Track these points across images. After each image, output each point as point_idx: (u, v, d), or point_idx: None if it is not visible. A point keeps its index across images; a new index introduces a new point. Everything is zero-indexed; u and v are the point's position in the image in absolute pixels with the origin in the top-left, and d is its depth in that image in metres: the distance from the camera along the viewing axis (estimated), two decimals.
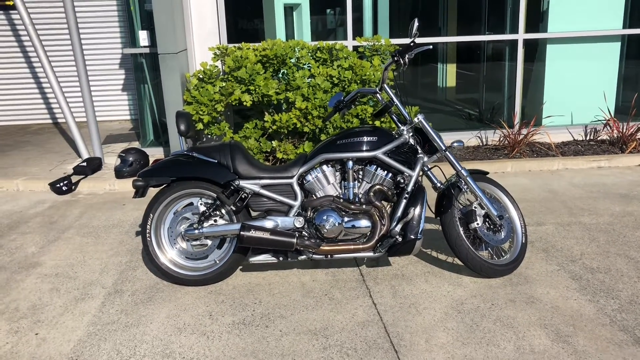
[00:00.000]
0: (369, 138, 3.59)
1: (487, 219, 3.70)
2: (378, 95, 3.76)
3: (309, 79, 5.87)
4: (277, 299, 3.48)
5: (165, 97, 5.80)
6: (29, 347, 3.04)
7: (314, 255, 3.53)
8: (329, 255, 3.54)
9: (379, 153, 3.56)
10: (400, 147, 3.66)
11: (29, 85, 9.28)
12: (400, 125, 3.72)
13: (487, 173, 3.88)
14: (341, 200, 3.56)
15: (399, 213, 3.55)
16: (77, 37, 5.85)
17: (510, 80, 7.11)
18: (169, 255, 3.65)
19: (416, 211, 3.53)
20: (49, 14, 8.93)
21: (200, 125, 5.87)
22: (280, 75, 6.11)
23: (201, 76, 5.96)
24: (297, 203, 3.59)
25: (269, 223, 3.52)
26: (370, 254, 3.55)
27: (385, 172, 3.60)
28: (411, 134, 3.68)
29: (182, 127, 3.62)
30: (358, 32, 7.02)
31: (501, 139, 6.67)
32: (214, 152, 3.61)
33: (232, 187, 3.52)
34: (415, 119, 3.64)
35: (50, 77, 6.16)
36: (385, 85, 3.70)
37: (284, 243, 3.44)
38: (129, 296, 3.57)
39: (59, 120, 9.39)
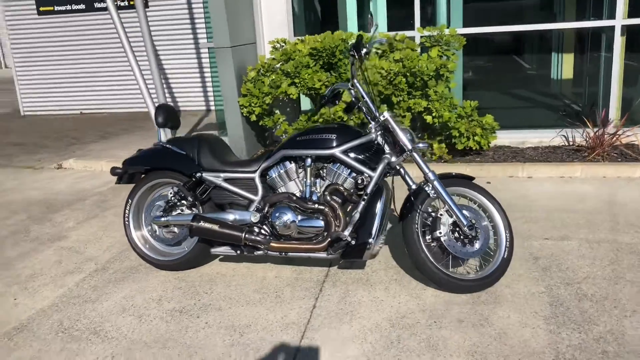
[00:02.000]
0: (327, 136, 3.46)
1: (457, 228, 3.37)
2: (351, 90, 3.60)
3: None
4: (228, 291, 3.53)
5: (222, 89, 6.08)
6: (1, 311, 3.46)
7: (268, 252, 3.52)
8: (283, 253, 3.50)
9: (336, 151, 3.42)
10: (367, 145, 3.47)
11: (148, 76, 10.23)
12: (371, 122, 3.53)
13: (473, 178, 3.52)
14: (296, 197, 3.48)
15: (355, 215, 3.38)
16: (149, 39, 6.33)
17: (605, 73, 6.23)
18: (144, 239, 3.88)
19: (370, 214, 3.34)
20: (159, 13, 9.78)
21: (253, 117, 6.06)
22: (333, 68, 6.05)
23: (260, 69, 6.13)
24: (257, 198, 3.59)
25: (225, 215, 3.58)
26: (323, 255, 3.44)
27: (349, 171, 3.45)
28: (380, 132, 3.47)
29: (160, 119, 3.80)
30: (430, 21, 6.66)
31: (587, 139, 5.91)
32: (185, 144, 3.74)
33: (194, 179, 3.63)
34: (381, 117, 3.43)
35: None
36: (355, 80, 3.53)
37: (232, 237, 3.47)
38: (110, 274, 3.87)
39: (183, 109, 10.24)
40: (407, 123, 5.71)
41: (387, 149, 3.44)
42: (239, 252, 3.60)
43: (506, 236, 3.42)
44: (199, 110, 10.13)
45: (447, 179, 3.46)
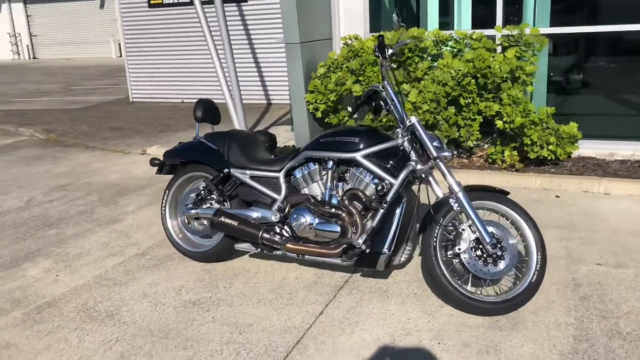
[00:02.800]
0: (350, 139, 3.35)
1: (480, 246, 3.13)
2: (382, 92, 3.44)
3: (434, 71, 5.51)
4: (245, 288, 3.55)
5: (289, 85, 6.11)
6: (41, 284, 3.73)
7: (287, 253, 3.48)
8: (300, 255, 3.45)
9: (358, 155, 3.30)
10: (391, 151, 3.32)
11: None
12: (399, 126, 3.37)
13: (507, 193, 3.25)
14: (315, 200, 3.41)
15: (372, 223, 3.25)
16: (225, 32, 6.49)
17: None
18: (178, 229, 3.99)
19: (388, 223, 3.20)
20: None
21: (318, 114, 6.04)
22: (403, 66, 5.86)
23: (330, 66, 6.09)
24: (280, 197, 3.57)
25: (248, 213, 3.59)
26: (338, 261, 3.34)
27: (371, 177, 3.32)
28: (407, 137, 3.30)
29: (198, 114, 3.88)
30: (516, 19, 6.23)
31: None
32: (218, 139, 3.80)
33: (222, 174, 3.67)
34: (408, 121, 3.25)
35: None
36: (385, 82, 3.38)
37: (249, 234, 3.48)
38: (146, 260, 4.03)
39: (272, 102, 10.44)
40: (476, 127, 5.40)
41: (413, 155, 3.27)
42: (259, 250, 3.60)
43: (537, 258, 3.13)
44: (284, 104, 10.28)
45: (476, 192, 3.22)
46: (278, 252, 3.53)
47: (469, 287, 3.17)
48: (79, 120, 9.89)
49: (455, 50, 5.74)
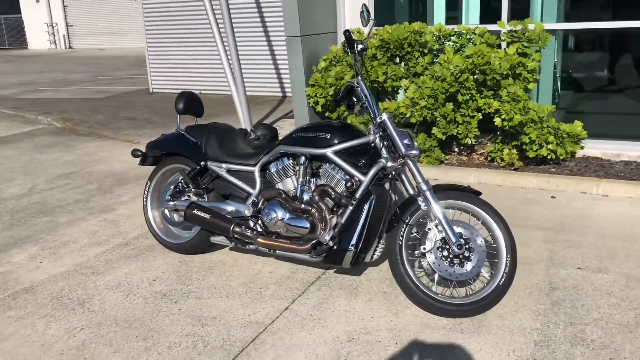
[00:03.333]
0: (322, 134, 3.32)
1: (447, 246, 3.08)
2: (358, 88, 3.39)
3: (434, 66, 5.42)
4: (218, 281, 3.56)
5: (290, 78, 6.09)
6: (23, 271, 3.81)
7: (259, 247, 3.48)
8: (271, 250, 3.45)
9: (328, 151, 3.27)
10: (363, 148, 3.28)
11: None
12: (372, 123, 3.32)
13: (479, 193, 3.18)
14: (286, 195, 3.40)
15: (340, 220, 3.23)
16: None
17: None
18: (159, 221, 4.03)
19: (355, 220, 3.16)
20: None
21: (318, 108, 6.01)
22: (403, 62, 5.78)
23: (332, 59, 6.04)
24: (254, 192, 3.56)
25: (222, 206, 3.60)
26: (307, 257, 3.33)
27: (343, 173, 3.29)
28: (379, 134, 3.25)
29: (180, 106, 3.89)
30: (521, 14, 6.07)
31: None
32: (197, 132, 3.81)
33: (198, 167, 3.69)
34: (379, 118, 3.21)
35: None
36: (360, 78, 3.33)
37: (221, 227, 3.49)
38: (128, 250, 4.08)
39: (287, 94, 10.43)
40: (475, 124, 5.30)
41: (384, 152, 3.22)
42: (233, 243, 3.60)
43: (506, 260, 3.06)
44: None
45: (446, 191, 3.16)
46: (251, 247, 3.53)
47: (434, 288, 3.12)
48: (97, 109, 10.06)
49: (457, 45, 5.63)
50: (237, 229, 3.45)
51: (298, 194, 3.39)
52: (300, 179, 3.40)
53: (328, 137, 3.29)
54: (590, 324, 2.92)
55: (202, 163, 3.68)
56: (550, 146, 5.05)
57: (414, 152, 3.09)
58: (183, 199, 3.85)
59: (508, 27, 5.43)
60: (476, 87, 5.26)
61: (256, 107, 9.19)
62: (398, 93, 5.85)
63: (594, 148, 5.57)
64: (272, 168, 3.52)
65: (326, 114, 6.12)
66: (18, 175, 6.16)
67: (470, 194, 3.16)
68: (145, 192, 4.04)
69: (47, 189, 5.62)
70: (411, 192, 3.21)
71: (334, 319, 3.07)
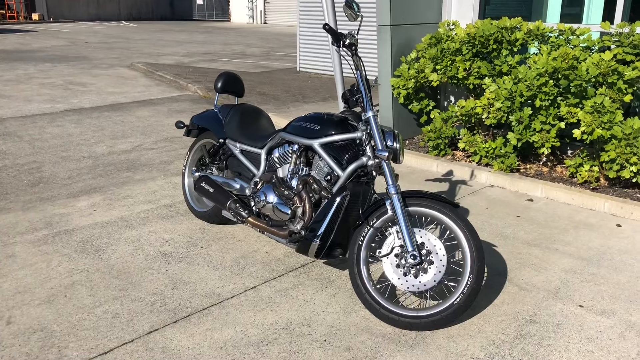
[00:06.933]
0: (312, 125, 3.35)
1: (404, 254, 2.96)
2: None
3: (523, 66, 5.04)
4: (217, 251, 3.79)
5: (378, 67, 6.02)
6: (77, 216, 4.40)
7: (251, 227, 3.64)
8: (260, 231, 3.58)
9: (315, 143, 3.29)
10: (349, 143, 3.26)
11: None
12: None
13: (457, 206, 2.99)
14: (278, 180, 3.49)
15: (313, 211, 3.26)
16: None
17: None
18: (192, 189, 4.36)
19: (324, 213, 3.17)
20: None
21: (401, 100, 5.90)
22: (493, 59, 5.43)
23: (422, 51, 5.88)
24: (258, 173, 3.71)
25: (229, 182, 3.80)
26: (284, 241, 3.41)
27: (326, 166, 3.31)
28: (366, 131, 3.20)
29: (218, 85, 4.14)
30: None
31: None
32: (224, 111, 4.04)
33: (218, 144, 3.92)
34: (364, 115, 3.15)
35: None
36: (357, 73, 3.28)
37: (220, 201, 3.70)
38: (168, 211, 4.48)
39: None
40: (554, 133, 4.82)
41: (367, 150, 3.17)
42: (235, 219, 3.80)
43: (468, 280, 2.86)
44: None
45: (421, 199, 3.02)
46: (248, 225, 3.70)
47: (386, 295, 3.02)
48: None
49: (555, 46, 5.13)
50: (232, 205, 3.64)
51: (287, 181, 3.47)
52: (292, 167, 3.47)
53: (317, 128, 3.31)
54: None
55: (221, 140, 3.91)
56: (633, 168, 4.44)
57: (384, 153, 2.99)
58: (207, 171, 4.13)
59: (613, 28, 4.83)
60: (561, 93, 4.78)
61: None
62: (483, 92, 5.52)
63: None
64: (275, 153, 3.64)
65: (409, 107, 5.99)
66: (135, 134, 6.98)
67: (445, 204, 2.98)
68: (185, 161, 4.40)
69: (148, 148, 6.30)
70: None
71: (288, 306, 3.14)
